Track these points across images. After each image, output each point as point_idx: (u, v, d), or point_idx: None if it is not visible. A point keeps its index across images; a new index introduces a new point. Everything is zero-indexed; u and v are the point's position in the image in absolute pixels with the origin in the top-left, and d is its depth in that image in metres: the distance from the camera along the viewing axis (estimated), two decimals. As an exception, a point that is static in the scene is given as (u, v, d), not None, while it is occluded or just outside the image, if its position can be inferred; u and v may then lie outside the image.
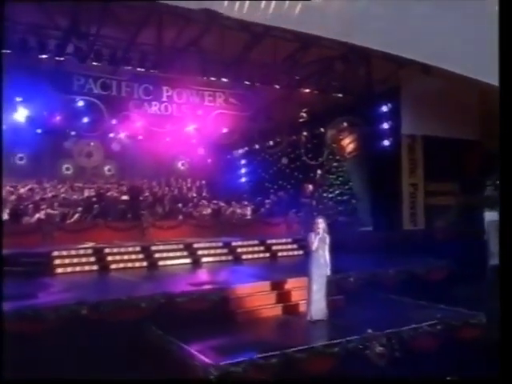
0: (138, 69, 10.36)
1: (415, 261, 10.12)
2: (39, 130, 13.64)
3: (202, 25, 9.99)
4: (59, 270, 8.61)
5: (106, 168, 17.65)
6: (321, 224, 6.58)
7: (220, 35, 10.51)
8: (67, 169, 16.97)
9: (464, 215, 14.64)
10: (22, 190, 14.76)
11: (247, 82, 11.26)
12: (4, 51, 8.84)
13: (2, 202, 10.68)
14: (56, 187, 15.42)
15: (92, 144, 16.89)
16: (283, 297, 7.19)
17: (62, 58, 9.66)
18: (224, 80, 11.17)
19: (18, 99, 11.65)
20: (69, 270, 8.71)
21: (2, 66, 8.38)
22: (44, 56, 9.48)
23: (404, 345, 5.75)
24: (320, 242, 6.51)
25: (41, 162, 15.93)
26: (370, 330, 5.61)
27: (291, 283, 7.35)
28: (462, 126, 13.86)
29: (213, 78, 11.02)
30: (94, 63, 9.96)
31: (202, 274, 8.66)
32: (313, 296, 6.60)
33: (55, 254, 8.98)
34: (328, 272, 6.60)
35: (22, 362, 5.23)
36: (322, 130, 14.77)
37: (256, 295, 7.08)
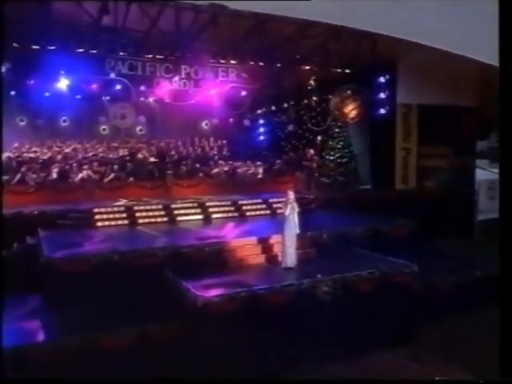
0: (158, 56, 12.20)
1: (391, 218, 11.92)
2: (78, 96, 15.78)
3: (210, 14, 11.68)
4: (99, 224, 11.02)
5: (138, 128, 19.69)
6: (291, 196, 8.63)
7: (226, 22, 12.16)
8: (104, 130, 19.03)
9: (456, 176, 16.25)
10: (66, 150, 17.19)
11: (252, 63, 12.94)
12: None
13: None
14: (95, 147, 17.70)
15: (125, 107, 18.96)
16: (267, 249, 9.39)
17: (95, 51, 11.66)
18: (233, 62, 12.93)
19: (61, 72, 13.71)
20: (106, 223, 11.09)
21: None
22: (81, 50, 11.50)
23: (346, 287, 7.88)
24: (291, 209, 8.56)
25: (81, 124, 18.11)
26: (319, 275, 7.75)
27: (274, 239, 9.48)
28: (459, 93, 15.21)
29: (222, 61, 12.77)
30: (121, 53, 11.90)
31: (209, 230, 10.80)
32: (286, 249, 8.73)
33: (95, 210, 11.37)
34: (297, 231, 8.70)
35: (74, 290, 7.70)
36: (330, 96, 16.32)
37: (245, 247, 9.30)
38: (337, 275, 7.97)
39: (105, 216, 11.29)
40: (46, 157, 16.25)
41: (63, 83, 13.75)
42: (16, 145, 16.38)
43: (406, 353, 8.12)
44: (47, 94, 14.08)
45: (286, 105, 16.75)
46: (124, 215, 11.48)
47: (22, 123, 16.72)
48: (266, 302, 7.33)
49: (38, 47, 11.94)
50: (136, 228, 11.09)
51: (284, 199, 13.53)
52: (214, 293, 7.21)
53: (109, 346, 6.85)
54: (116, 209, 11.65)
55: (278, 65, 13.71)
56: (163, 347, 7.01)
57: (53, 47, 11.78)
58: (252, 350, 7.13)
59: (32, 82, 13.37)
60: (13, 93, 13.28)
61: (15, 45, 11.36)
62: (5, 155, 15.54)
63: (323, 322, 7.64)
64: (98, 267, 8.03)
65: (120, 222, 11.25)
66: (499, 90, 6.42)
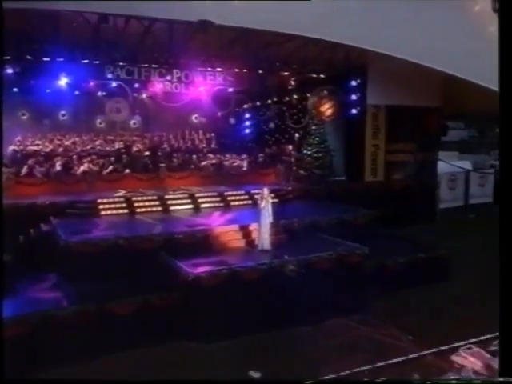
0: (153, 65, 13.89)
1: (357, 208, 13.75)
2: (77, 92, 17.26)
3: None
4: (103, 213, 12.71)
5: (132, 122, 21.23)
6: (265, 191, 10.45)
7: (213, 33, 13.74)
8: (100, 123, 20.52)
9: (420, 169, 18.17)
10: (66, 143, 18.72)
11: (237, 70, 14.65)
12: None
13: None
14: (92, 140, 19.24)
15: (120, 102, 20.41)
16: (246, 235, 11.20)
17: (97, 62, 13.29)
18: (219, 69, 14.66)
19: (63, 74, 15.10)
20: (109, 212, 12.79)
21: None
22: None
23: (309, 266, 9.73)
24: (265, 202, 10.39)
25: (79, 118, 19.60)
26: (286, 256, 9.61)
27: (252, 226, 11.28)
28: (422, 95, 16.99)
29: (210, 68, 14.46)
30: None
31: (198, 218, 12.54)
32: (262, 235, 10.56)
33: (99, 201, 13.06)
34: (271, 220, 10.52)
35: (87, 269, 9.46)
36: (308, 95, 18.01)
37: (228, 233, 11.11)
38: (301, 256, 9.83)
39: (107, 206, 12.97)
40: (48, 149, 17.77)
41: (63, 81, 14.89)
42: (19, 138, 17.81)
43: (357, 319, 9.99)
44: (48, 91, 15.30)
45: (269, 101, 18.34)
46: (124, 205, 13.17)
47: (24, 117, 18.09)
48: (244, 278, 9.21)
49: (48, 59, 13.50)
50: (134, 217, 12.82)
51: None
52: (201, 270, 9.05)
53: (117, 311, 8.65)
54: (117, 199, 13.35)
55: (260, 71, 15.40)
56: (161, 312, 8.84)
57: (60, 59, 13.29)
58: (232, 314, 8.97)
59: (35, 82, 14.74)
60: (15, 89, 14.47)
61: (29, 57, 12.90)
62: (10, 148, 17.09)
63: (290, 294, 9.48)
64: (106, 250, 9.80)
65: (120, 212, 12.95)
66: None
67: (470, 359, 7.21)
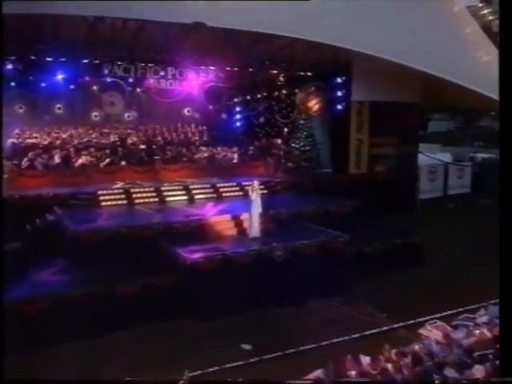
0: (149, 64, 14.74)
1: (340, 199, 14.73)
2: (72, 86, 17.91)
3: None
4: (104, 204, 13.57)
5: (126, 115, 21.91)
6: (255, 184, 11.42)
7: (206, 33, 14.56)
8: (95, 116, 21.10)
9: (401, 162, 19.22)
10: (63, 136, 19.40)
11: (228, 69, 15.56)
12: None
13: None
14: (88, 132, 19.89)
15: (114, 96, 21.05)
16: (238, 224, 12.17)
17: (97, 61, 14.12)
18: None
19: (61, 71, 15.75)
20: (109, 203, 13.64)
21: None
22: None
23: (294, 251, 10.76)
24: (256, 194, 11.36)
25: (74, 111, 20.19)
26: (274, 243, 10.62)
27: (243, 216, 12.25)
28: (405, 91, 17.98)
29: (203, 66, 15.35)
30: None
31: (193, 209, 13.43)
32: (252, 224, 11.55)
33: (99, 192, 13.92)
34: (260, 210, 11.50)
35: (93, 255, 10.37)
36: (297, 90, 18.89)
37: (222, 223, 12.08)
38: (288, 243, 10.86)
39: (107, 197, 13.82)
40: (46, 142, 18.45)
41: (59, 76, 15.46)
42: (17, 131, 18.42)
43: (339, 300, 11.04)
44: (44, 85, 15.84)
45: (259, 95, 19.22)
46: (123, 196, 14.04)
47: (21, 110, 18.63)
48: (236, 263, 10.24)
49: (43, 54, 14.23)
50: (133, 207, 13.72)
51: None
52: (198, 255, 10.05)
53: (122, 292, 9.62)
54: (116, 191, 14.22)
55: (250, 69, 16.30)
56: (161, 293, 9.83)
57: (55, 54, 14.04)
58: (226, 295, 9.97)
59: (31, 76, 15.29)
60: (12, 84, 14.94)
61: (33, 57, 13.65)
62: (9, 141, 17.72)
63: (278, 277, 10.49)
64: (110, 238, 10.72)
65: (120, 202, 13.82)
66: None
67: (434, 331, 8.31)
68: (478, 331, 7.55)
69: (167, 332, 9.41)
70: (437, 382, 5.73)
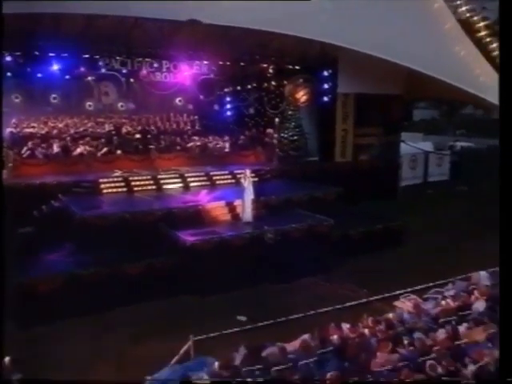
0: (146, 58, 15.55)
1: (326, 186, 15.75)
2: (67, 76, 18.49)
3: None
4: (105, 191, 14.41)
5: (119, 104, 22.57)
6: (247, 172, 12.43)
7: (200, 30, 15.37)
8: (90, 106, 21.76)
9: (384, 151, 20.31)
10: (60, 125, 20.03)
11: (221, 63, 16.44)
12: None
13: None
14: (83, 122, 20.48)
15: (108, 86, 21.67)
16: (231, 210, 13.18)
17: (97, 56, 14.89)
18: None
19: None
20: (110, 191, 14.51)
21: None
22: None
23: (284, 234, 11.82)
24: (248, 183, 12.37)
25: (70, 101, 20.72)
26: (266, 227, 11.66)
27: (237, 202, 13.24)
28: (388, 84, 18.98)
29: (197, 61, 16.19)
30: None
31: (189, 196, 14.35)
32: (245, 209, 12.57)
33: (100, 180, 14.76)
34: (252, 197, 12.51)
35: (99, 239, 11.30)
36: (286, 82, 19.78)
37: (217, 208, 13.07)
38: (278, 227, 11.92)
39: (108, 185, 14.65)
40: (43, 131, 19.06)
41: (55, 67, 15.93)
42: (14, 120, 19.00)
43: (324, 278, 12.13)
44: (40, 75, 16.38)
45: (249, 86, 20.05)
46: (122, 184, 14.90)
47: (17, 100, 19.18)
48: (231, 244, 11.28)
49: (47, 51, 14.93)
50: (133, 194, 14.60)
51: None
52: (196, 238, 11.05)
53: (128, 272, 10.61)
54: (115, 179, 15.08)
55: (241, 63, 17.19)
56: (163, 273, 10.84)
57: (64, 54, 14.76)
58: (222, 273, 11.01)
59: (28, 66, 15.85)
60: (8, 74, 15.44)
61: (29, 49, 14.33)
62: (7, 130, 18.32)
63: (268, 258, 11.56)
64: (115, 223, 11.65)
65: (120, 190, 14.68)
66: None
67: (407, 303, 9.47)
68: (443, 302, 8.74)
69: (169, 306, 10.42)
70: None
